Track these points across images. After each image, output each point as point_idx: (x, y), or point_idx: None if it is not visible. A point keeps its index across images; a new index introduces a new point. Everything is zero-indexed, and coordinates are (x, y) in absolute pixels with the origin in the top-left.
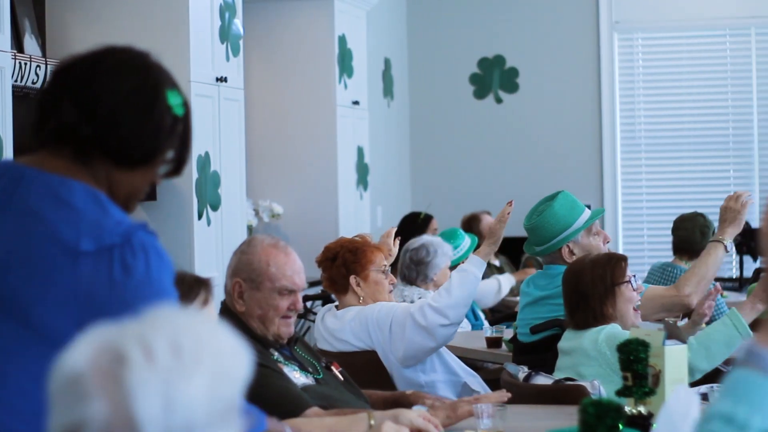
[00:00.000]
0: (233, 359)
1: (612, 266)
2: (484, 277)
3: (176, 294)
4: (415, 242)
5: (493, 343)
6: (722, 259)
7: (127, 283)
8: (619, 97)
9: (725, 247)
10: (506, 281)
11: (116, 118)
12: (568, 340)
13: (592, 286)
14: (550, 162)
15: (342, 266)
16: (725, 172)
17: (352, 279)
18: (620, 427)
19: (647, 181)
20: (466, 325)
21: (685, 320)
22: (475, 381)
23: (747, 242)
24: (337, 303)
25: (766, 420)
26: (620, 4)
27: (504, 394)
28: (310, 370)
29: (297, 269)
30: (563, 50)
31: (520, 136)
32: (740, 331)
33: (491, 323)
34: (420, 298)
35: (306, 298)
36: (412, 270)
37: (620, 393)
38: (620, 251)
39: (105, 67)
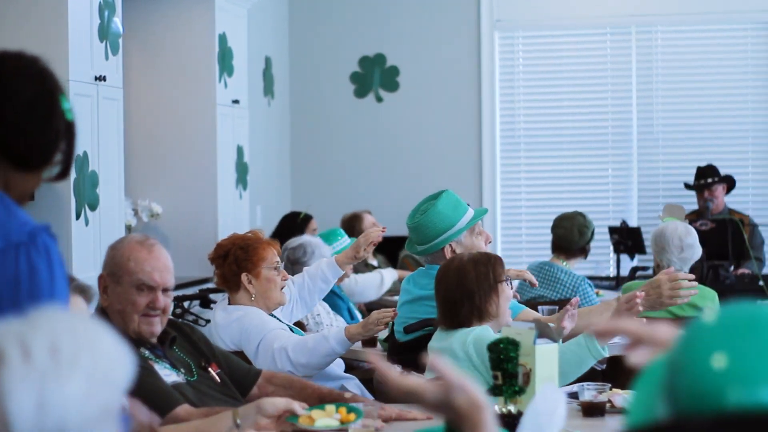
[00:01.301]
0: (112, 363)
1: (493, 264)
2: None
3: (68, 298)
4: (293, 242)
5: (369, 342)
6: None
7: (31, 282)
8: (499, 96)
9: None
10: (389, 275)
11: (21, 125)
12: (439, 341)
13: (478, 284)
14: (430, 161)
15: (233, 263)
16: (604, 171)
17: (244, 276)
18: None
19: (526, 180)
20: (342, 325)
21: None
22: (352, 383)
23: (624, 241)
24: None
25: None
26: (501, 2)
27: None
28: (183, 370)
29: (159, 266)
30: (444, 49)
31: (401, 134)
32: (592, 353)
33: None
34: None
35: (183, 299)
36: (289, 269)
37: (490, 392)
38: (499, 251)
39: (2, 74)
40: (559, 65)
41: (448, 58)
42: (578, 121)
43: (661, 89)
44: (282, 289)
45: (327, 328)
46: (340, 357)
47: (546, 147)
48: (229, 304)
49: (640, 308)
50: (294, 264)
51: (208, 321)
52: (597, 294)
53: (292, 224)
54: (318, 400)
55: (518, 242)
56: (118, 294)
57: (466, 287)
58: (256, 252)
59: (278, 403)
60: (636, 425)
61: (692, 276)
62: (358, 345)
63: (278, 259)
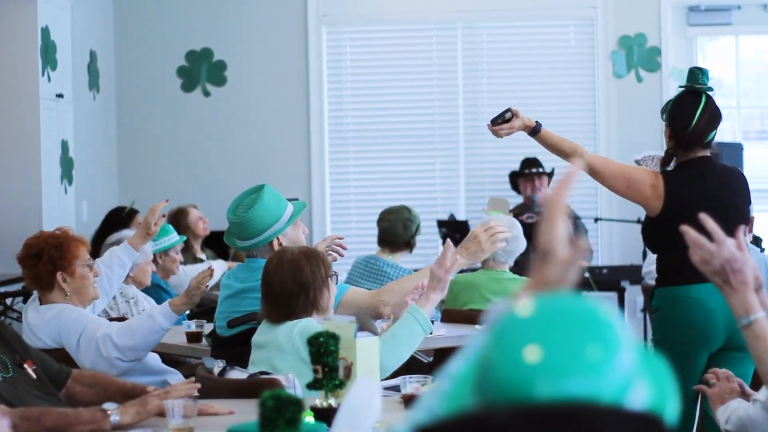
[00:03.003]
0: None
1: (323, 258)
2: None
3: None
4: (114, 237)
5: (193, 337)
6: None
7: None
8: (327, 91)
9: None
10: (219, 267)
11: None
12: (263, 334)
13: (313, 277)
14: (259, 155)
15: (48, 263)
16: (431, 165)
17: (59, 275)
18: (300, 420)
19: (355, 174)
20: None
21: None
22: (176, 377)
23: (452, 234)
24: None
25: None
26: None
27: (193, 386)
28: None
29: None
30: (271, 43)
31: (229, 129)
32: (422, 325)
33: (191, 317)
34: (122, 293)
35: (6, 295)
36: None
37: (311, 386)
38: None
39: None
40: (386, 60)
41: (275, 53)
42: (406, 115)
43: (486, 84)
44: (94, 284)
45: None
46: (162, 355)
47: (374, 141)
48: (41, 304)
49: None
50: None
51: None
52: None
53: (118, 219)
54: (122, 396)
55: (348, 236)
56: None
57: (301, 280)
58: (69, 250)
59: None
60: (444, 415)
61: (505, 230)
62: (183, 341)
63: (89, 255)
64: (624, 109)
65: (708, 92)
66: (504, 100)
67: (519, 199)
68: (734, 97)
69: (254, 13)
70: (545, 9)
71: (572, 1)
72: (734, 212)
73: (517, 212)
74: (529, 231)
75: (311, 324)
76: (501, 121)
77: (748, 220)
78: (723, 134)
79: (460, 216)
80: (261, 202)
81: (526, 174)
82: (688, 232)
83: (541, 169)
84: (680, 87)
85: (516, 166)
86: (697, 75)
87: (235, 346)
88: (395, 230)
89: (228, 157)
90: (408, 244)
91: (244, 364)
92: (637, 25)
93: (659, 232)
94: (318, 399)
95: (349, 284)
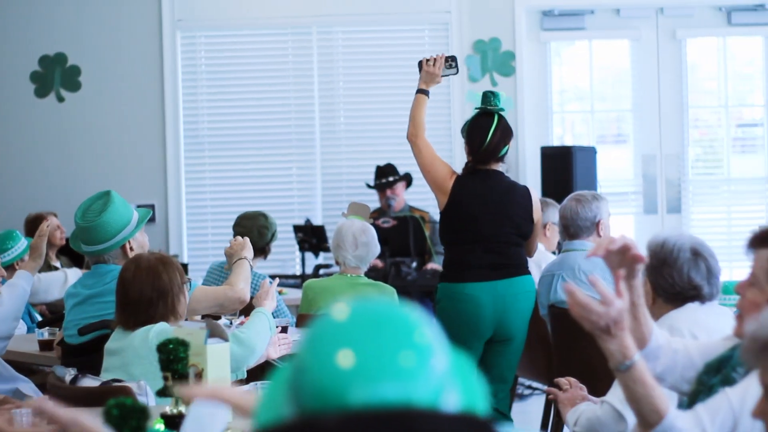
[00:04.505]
0: None
1: (177, 265)
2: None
3: None
4: None
5: (46, 345)
6: None
7: None
8: (182, 96)
9: None
10: (73, 274)
11: None
12: (117, 341)
13: (170, 284)
14: (115, 160)
15: None
16: (288, 170)
17: None
18: (145, 428)
19: (211, 180)
20: (22, 327)
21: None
22: (28, 386)
23: (308, 239)
24: None
25: None
26: (182, 1)
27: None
28: None
29: None
30: (126, 48)
31: (84, 135)
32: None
33: (43, 325)
34: None
35: None
36: None
37: (161, 393)
38: (185, 250)
39: None
40: (241, 65)
41: (130, 58)
42: (262, 120)
43: (342, 89)
44: None
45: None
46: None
47: (231, 146)
48: None
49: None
50: None
51: None
52: (280, 293)
53: None
54: None
55: (204, 242)
56: None
57: (160, 287)
58: None
59: None
60: (262, 426)
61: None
62: (35, 349)
63: None
64: None
65: (500, 112)
66: (360, 104)
67: (378, 203)
68: (588, 101)
69: (108, 18)
70: (400, 13)
71: (427, 5)
72: (510, 222)
73: (375, 217)
74: (386, 235)
75: (166, 327)
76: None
77: (523, 232)
78: (578, 138)
79: (317, 221)
80: (113, 207)
81: (381, 184)
82: (574, 293)
83: (394, 177)
84: (476, 108)
85: (372, 170)
86: (489, 98)
87: (86, 353)
88: (250, 236)
89: (84, 164)
90: (263, 251)
91: (96, 372)
92: (491, 29)
93: (443, 229)
94: (168, 406)
95: None
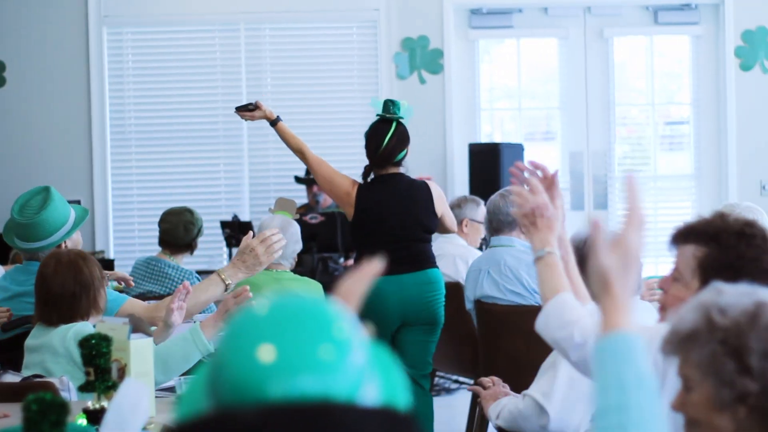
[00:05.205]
0: None
1: (94, 260)
2: None
3: None
4: None
5: None
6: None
7: None
8: (108, 92)
9: (225, 285)
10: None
11: None
12: (37, 337)
13: (92, 278)
14: (40, 158)
15: None
16: (216, 167)
17: None
18: (65, 423)
19: (138, 176)
20: None
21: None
22: None
23: (235, 235)
24: None
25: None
26: None
27: None
28: None
29: None
30: (52, 44)
31: (8, 132)
32: (199, 348)
33: None
34: None
35: None
36: None
37: (83, 388)
38: (112, 246)
39: None
40: (169, 61)
41: (56, 53)
42: (190, 116)
43: (270, 86)
44: None
45: None
46: None
47: (158, 143)
48: None
49: (249, 294)
50: None
51: None
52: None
53: None
54: None
55: (131, 237)
56: None
57: (82, 281)
58: None
59: None
60: (180, 420)
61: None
62: None
63: None
64: None
65: (399, 120)
66: (288, 101)
67: (306, 199)
68: (517, 98)
69: (34, 13)
70: (328, 11)
71: (355, 3)
72: (413, 220)
73: (302, 212)
74: (313, 231)
75: (86, 328)
76: (244, 109)
77: (428, 227)
78: (506, 136)
79: (244, 217)
80: (53, 204)
81: (309, 179)
82: (516, 180)
83: None
84: (377, 115)
85: (301, 167)
86: (389, 106)
87: (9, 350)
88: (176, 232)
89: (9, 160)
90: (189, 246)
91: (18, 368)
92: (420, 27)
93: (354, 234)
94: (91, 401)
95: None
